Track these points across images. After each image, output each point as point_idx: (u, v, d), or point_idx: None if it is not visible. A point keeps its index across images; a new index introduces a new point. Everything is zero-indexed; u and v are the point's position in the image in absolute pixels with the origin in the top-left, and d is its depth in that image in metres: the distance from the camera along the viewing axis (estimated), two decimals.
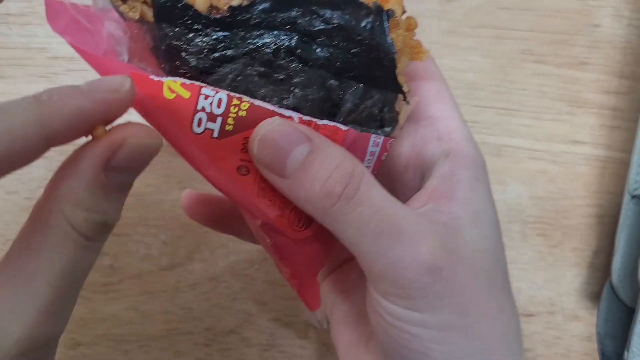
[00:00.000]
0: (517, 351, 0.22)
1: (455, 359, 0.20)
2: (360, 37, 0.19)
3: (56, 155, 0.35)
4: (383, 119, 0.22)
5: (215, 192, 0.22)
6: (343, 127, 0.21)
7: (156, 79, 0.19)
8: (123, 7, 0.20)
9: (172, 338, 0.35)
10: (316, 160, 0.19)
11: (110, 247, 0.35)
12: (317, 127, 0.20)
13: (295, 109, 0.20)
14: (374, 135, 0.21)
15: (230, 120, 0.19)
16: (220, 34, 0.19)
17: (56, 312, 0.17)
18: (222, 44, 0.19)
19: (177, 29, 0.19)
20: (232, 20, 0.19)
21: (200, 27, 0.19)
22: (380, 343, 0.22)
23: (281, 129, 0.19)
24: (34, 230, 0.17)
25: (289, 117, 0.20)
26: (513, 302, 0.22)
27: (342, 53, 0.20)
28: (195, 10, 0.19)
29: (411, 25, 0.22)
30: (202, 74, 0.20)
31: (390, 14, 0.20)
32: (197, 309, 0.35)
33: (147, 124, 0.19)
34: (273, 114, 0.20)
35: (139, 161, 0.18)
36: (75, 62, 0.34)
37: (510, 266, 0.36)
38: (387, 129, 0.22)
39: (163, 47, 0.20)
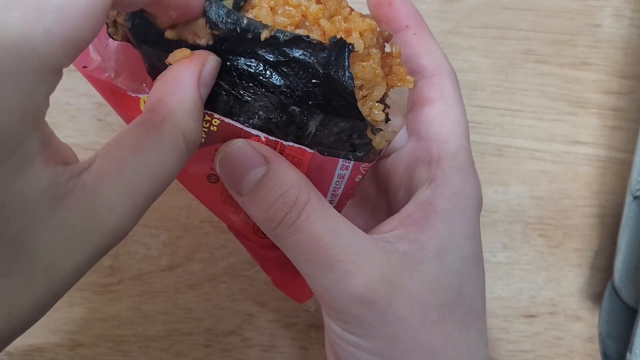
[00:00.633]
0: None
1: None
2: (315, 71, 0.20)
3: None
4: (354, 145, 0.22)
5: None
6: (309, 150, 0.21)
7: (133, 95, 0.21)
8: (110, 30, 0.21)
9: (172, 339, 0.35)
10: (266, 184, 0.20)
11: None
12: (282, 148, 0.21)
13: (261, 129, 0.21)
14: (342, 159, 0.22)
15: (202, 134, 0.21)
16: None
17: (140, 215, 0.17)
18: None
19: (155, 50, 0.20)
20: (202, 48, 0.20)
21: (173, 49, 0.20)
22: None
23: (240, 151, 0.20)
24: (146, 135, 0.17)
25: (256, 137, 0.21)
26: (477, 341, 0.22)
27: (301, 83, 0.20)
28: (166, 38, 0.20)
29: (395, 54, 0.22)
30: None
31: (351, 48, 0.20)
32: (197, 310, 0.35)
33: None
34: (241, 131, 0.21)
35: (214, 79, 0.20)
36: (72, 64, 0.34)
37: (511, 267, 0.36)
38: (359, 154, 0.22)
39: (146, 65, 0.21)
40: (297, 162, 0.21)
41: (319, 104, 0.20)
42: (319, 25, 0.20)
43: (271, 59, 0.20)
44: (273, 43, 0.20)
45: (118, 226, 0.16)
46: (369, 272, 0.20)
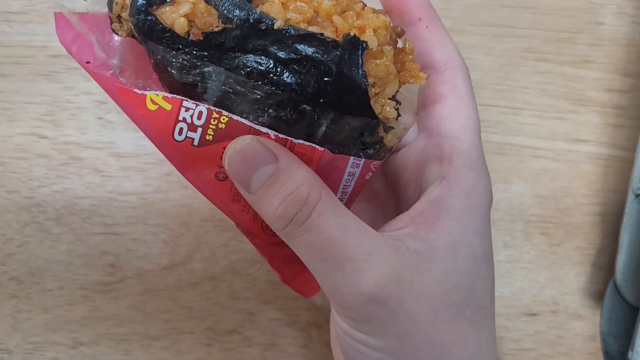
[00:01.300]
0: None
1: None
2: (328, 69, 0.20)
3: (56, 154, 0.35)
4: (365, 142, 0.22)
5: None
6: (319, 148, 0.21)
7: (139, 92, 0.21)
8: (114, 25, 0.21)
9: (173, 337, 0.35)
10: (276, 182, 0.20)
11: (111, 246, 0.34)
12: (292, 146, 0.21)
13: (270, 127, 0.21)
14: (353, 157, 0.22)
15: (210, 131, 0.21)
16: (199, 53, 0.20)
17: None
18: (201, 62, 0.20)
19: (160, 47, 0.20)
20: (208, 43, 0.20)
21: (180, 46, 0.20)
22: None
23: (250, 148, 0.20)
24: None
25: (265, 134, 0.21)
26: (487, 339, 0.22)
27: (313, 80, 0.20)
28: (174, 32, 0.20)
29: (407, 50, 0.22)
30: (186, 87, 0.21)
31: (365, 46, 0.20)
32: (198, 309, 0.35)
33: None
34: (250, 129, 0.21)
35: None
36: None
37: (512, 265, 0.36)
38: (370, 152, 0.22)
39: (152, 61, 0.21)
40: (307, 160, 0.21)
41: (330, 102, 0.20)
42: (332, 21, 0.20)
43: (282, 57, 0.19)
44: (285, 39, 0.19)
45: None
46: (379, 271, 0.20)
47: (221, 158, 0.21)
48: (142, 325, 0.35)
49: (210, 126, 0.21)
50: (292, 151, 0.21)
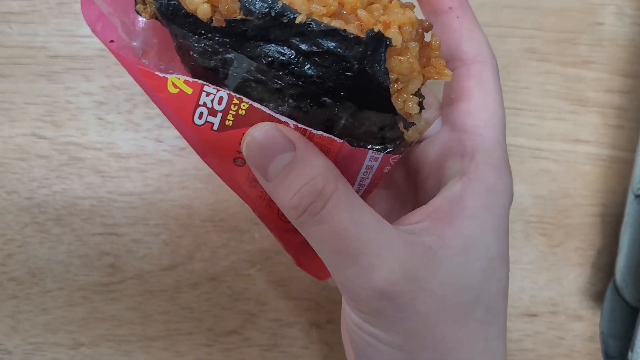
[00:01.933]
0: None
1: None
2: (350, 64, 0.19)
3: (56, 155, 0.35)
4: (385, 137, 0.22)
5: None
6: (338, 140, 0.21)
7: (161, 75, 0.21)
8: (138, 7, 0.21)
9: (172, 338, 0.35)
10: (293, 171, 0.20)
11: (111, 247, 0.34)
12: (311, 136, 0.21)
13: (290, 116, 0.21)
14: (371, 151, 0.22)
15: (230, 117, 0.21)
16: (221, 39, 0.20)
17: None
18: (223, 49, 0.20)
19: (183, 31, 0.20)
20: (230, 30, 0.20)
21: (202, 32, 0.20)
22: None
23: (269, 134, 0.20)
24: None
25: (285, 123, 0.21)
26: (495, 339, 0.22)
27: (334, 75, 0.20)
28: (197, 18, 0.20)
29: (434, 46, 0.22)
30: (208, 71, 0.21)
31: (388, 43, 0.19)
32: (198, 309, 0.35)
33: None
34: (270, 117, 0.21)
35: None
36: (76, 61, 0.34)
37: (512, 266, 0.35)
38: (389, 147, 0.22)
39: (175, 44, 0.21)
40: (325, 151, 0.21)
41: (351, 96, 0.20)
42: (356, 15, 0.20)
43: (304, 49, 0.19)
44: (307, 33, 0.19)
45: None
46: (391, 267, 0.20)
47: (240, 144, 0.21)
48: (141, 326, 0.35)
49: (230, 112, 0.21)
50: (310, 141, 0.21)
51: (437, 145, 0.24)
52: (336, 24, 0.19)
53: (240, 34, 0.20)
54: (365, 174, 0.23)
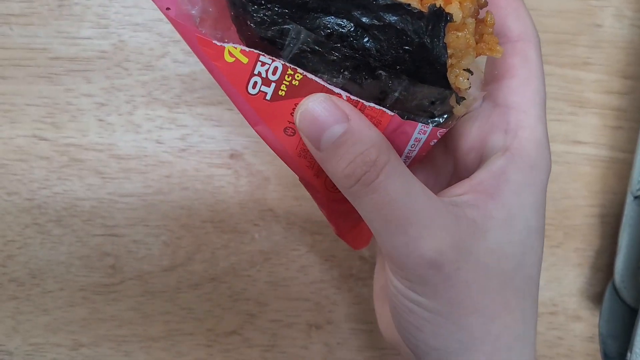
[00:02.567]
0: (518, 352, 0.22)
1: (440, 342, 0.22)
2: (409, 39, 0.20)
3: (57, 156, 0.35)
4: (435, 111, 0.22)
5: None
6: (389, 112, 0.21)
7: (218, 44, 0.21)
8: None
9: (173, 339, 0.35)
10: (347, 141, 0.20)
11: (111, 248, 0.35)
12: (363, 108, 0.21)
13: (344, 88, 0.21)
14: (421, 124, 0.22)
15: (283, 87, 0.21)
16: (281, 10, 0.20)
17: None
18: (282, 19, 0.20)
19: (242, 0, 0.20)
20: (291, 2, 0.20)
21: (262, 1, 0.20)
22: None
23: (323, 105, 0.21)
24: None
25: (338, 94, 0.21)
26: (530, 309, 0.23)
27: (392, 48, 0.20)
28: None
29: (488, 23, 0.22)
30: (264, 41, 0.21)
31: (449, 19, 0.20)
32: (198, 310, 0.35)
33: None
34: (323, 88, 0.21)
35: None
36: (76, 63, 0.34)
37: None
38: (439, 120, 0.22)
39: (232, 13, 0.21)
40: (375, 123, 0.22)
41: (406, 70, 0.20)
42: None
43: (365, 22, 0.20)
44: (370, 6, 0.19)
45: None
46: (440, 237, 0.20)
47: (291, 114, 0.22)
48: (142, 327, 0.35)
49: (284, 82, 0.21)
50: (362, 113, 0.21)
51: (479, 121, 0.24)
52: None
53: (300, 5, 0.20)
54: (413, 146, 0.23)
